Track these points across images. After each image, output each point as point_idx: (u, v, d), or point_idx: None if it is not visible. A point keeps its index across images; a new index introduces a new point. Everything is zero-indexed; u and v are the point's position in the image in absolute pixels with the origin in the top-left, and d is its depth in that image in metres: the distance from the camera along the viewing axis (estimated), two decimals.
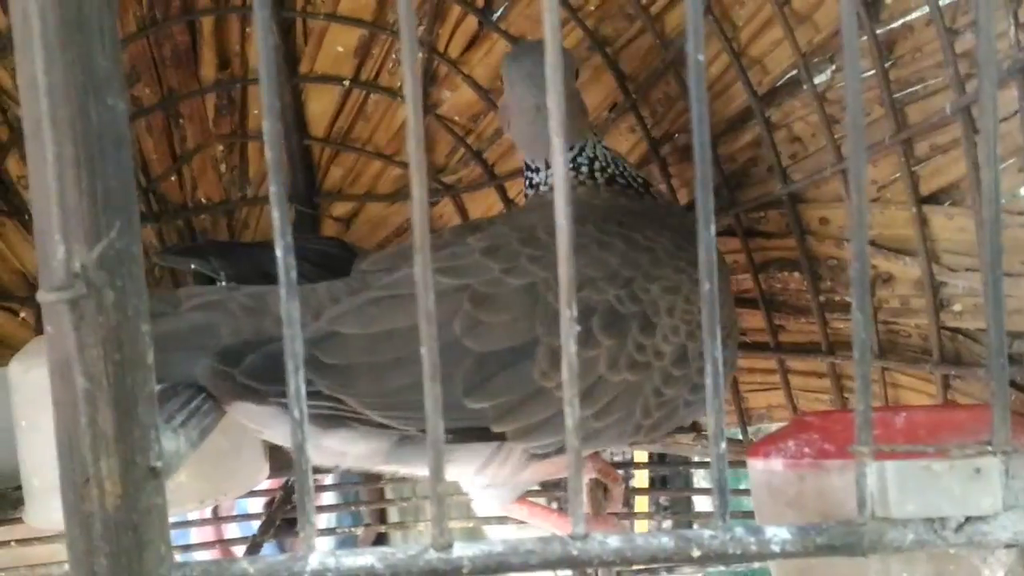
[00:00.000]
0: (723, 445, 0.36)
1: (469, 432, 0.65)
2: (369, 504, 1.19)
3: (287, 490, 0.94)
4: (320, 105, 1.00)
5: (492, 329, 0.65)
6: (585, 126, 0.81)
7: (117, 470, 0.38)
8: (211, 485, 0.76)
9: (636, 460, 1.14)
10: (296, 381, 0.37)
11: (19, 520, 0.79)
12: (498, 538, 0.36)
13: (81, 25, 0.36)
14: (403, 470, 0.70)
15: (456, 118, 1.00)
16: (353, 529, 1.20)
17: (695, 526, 1.04)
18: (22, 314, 0.98)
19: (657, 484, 1.47)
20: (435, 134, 1.00)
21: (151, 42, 0.96)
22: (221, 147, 1.01)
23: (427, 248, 0.38)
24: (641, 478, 1.31)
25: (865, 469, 0.37)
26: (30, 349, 0.79)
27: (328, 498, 1.15)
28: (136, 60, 0.96)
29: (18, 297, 0.97)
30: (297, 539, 1.12)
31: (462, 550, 0.36)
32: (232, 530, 1.07)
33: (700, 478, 1.50)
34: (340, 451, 0.66)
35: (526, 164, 0.81)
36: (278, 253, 0.36)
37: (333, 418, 0.64)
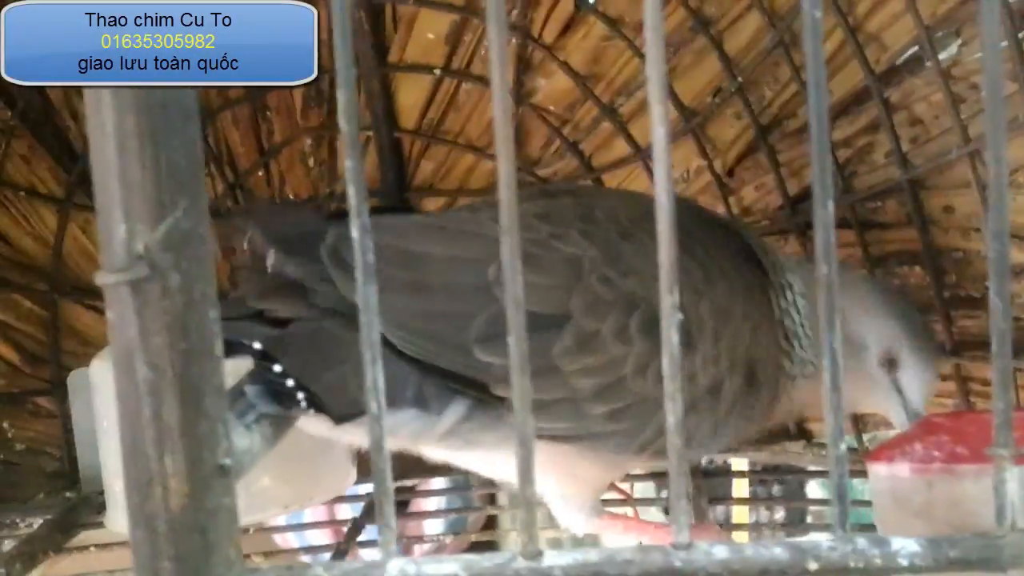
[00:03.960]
0: (843, 447, 0.33)
1: (467, 383, 0.60)
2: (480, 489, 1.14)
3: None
4: (410, 96, 0.97)
5: (526, 288, 0.61)
6: None
7: (183, 467, 0.35)
8: (296, 489, 0.73)
9: (735, 469, 1.05)
10: (374, 372, 0.35)
11: (101, 524, 0.78)
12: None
13: None
14: (463, 454, 0.65)
15: (551, 107, 0.96)
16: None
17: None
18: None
19: (764, 494, 1.40)
20: (528, 124, 0.96)
21: None
22: (309, 140, 0.99)
23: (516, 232, 0.35)
24: (740, 487, 1.24)
25: (1005, 475, 0.33)
26: None
27: (437, 483, 1.11)
28: None
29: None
30: (408, 519, 1.07)
31: (553, 559, 0.33)
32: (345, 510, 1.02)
33: (812, 489, 1.42)
34: (391, 428, 0.62)
35: None
36: (354, 234, 0.34)
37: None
